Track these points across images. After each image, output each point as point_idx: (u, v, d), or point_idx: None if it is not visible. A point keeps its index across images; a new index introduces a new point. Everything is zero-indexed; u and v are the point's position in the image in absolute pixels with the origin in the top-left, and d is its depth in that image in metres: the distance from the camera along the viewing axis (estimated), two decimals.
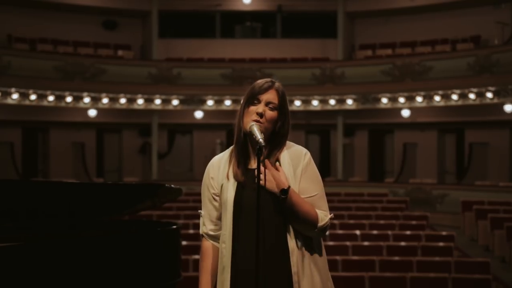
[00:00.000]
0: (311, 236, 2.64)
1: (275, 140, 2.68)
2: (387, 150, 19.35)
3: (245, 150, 2.69)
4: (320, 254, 2.67)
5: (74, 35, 18.62)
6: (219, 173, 2.73)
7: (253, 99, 2.69)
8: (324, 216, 2.63)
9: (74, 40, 18.50)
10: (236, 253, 2.61)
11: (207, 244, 2.74)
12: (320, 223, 2.61)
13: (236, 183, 2.65)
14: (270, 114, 2.65)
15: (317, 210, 2.63)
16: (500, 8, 16.81)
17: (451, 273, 7.41)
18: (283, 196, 2.54)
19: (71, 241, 3.01)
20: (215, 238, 2.73)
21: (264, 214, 2.57)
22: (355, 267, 7.60)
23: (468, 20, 17.68)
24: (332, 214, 2.69)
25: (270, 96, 2.67)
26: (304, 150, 2.73)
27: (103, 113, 17.96)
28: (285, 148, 2.71)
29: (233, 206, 2.63)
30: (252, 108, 2.67)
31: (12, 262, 2.70)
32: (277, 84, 2.71)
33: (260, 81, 2.72)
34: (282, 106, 2.68)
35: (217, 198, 2.73)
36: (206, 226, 2.75)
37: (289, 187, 2.56)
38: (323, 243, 2.73)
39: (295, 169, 2.67)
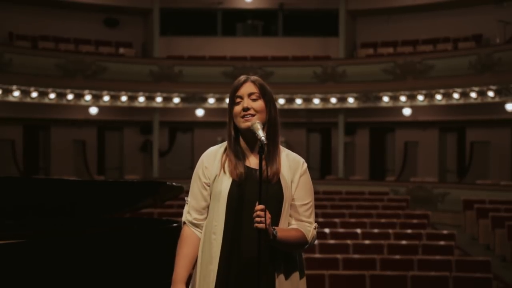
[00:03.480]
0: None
1: (270, 129, 2.70)
2: (388, 148, 19.34)
3: (239, 149, 2.72)
4: (302, 271, 2.74)
5: (75, 32, 18.62)
6: (214, 164, 2.74)
7: (234, 98, 2.72)
8: (308, 228, 2.69)
9: (76, 38, 18.49)
10: (228, 246, 2.63)
11: (189, 231, 2.73)
12: (309, 237, 2.69)
13: (229, 178, 2.67)
14: (256, 104, 2.68)
15: (300, 226, 2.68)
16: (502, 7, 16.79)
17: (452, 272, 7.41)
18: (275, 234, 2.55)
19: (72, 238, 3.01)
20: (197, 226, 2.74)
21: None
22: (356, 265, 7.60)
23: (470, 18, 17.66)
24: (316, 224, 2.73)
25: (248, 88, 2.70)
26: (302, 159, 2.78)
27: (104, 111, 17.96)
28: (283, 153, 2.75)
29: (227, 199, 2.65)
30: (237, 107, 2.70)
31: (13, 259, 2.70)
32: (252, 77, 2.74)
33: (237, 79, 2.76)
34: (263, 94, 2.70)
35: (207, 188, 2.74)
36: (191, 214, 2.74)
37: (274, 228, 2.56)
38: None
39: (293, 175, 2.71)
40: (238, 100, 2.70)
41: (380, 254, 8.31)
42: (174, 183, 3.44)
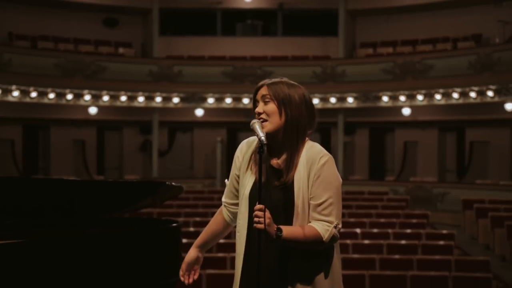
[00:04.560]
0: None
1: (288, 130, 2.67)
2: (387, 148, 19.34)
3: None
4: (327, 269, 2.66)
5: (75, 32, 18.61)
6: (245, 157, 2.78)
7: (254, 102, 2.75)
8: (326, 228, 2.58)
9: (75, 38, 18.49)
10: (249, 244, 2.67)
11: (219, 209, 2.92)
12: (325, 237, 2.58)
13: (253, 178, 2.70)
14: (267, 108, 2.67)
15: (316, 224, 2.59)
16: (502, 7, 16.78)
17: (452, 272, 7.41)
18: (279, 234, 2.53)
19: (72, 238, 3.00)
20: (227, 209, 2.87)
21: (276, 213, 2.57)
22: (355, 265, 7.59)
23: (469, 18, 17.66)
24: (336, 222, 2.60)
25: (262, 92, 2.71)
26: (322, 153, 2.69)
27: (103, 111, 17.96)
28: (306, 147, 2.71)
29: (249, 200, 2.68)
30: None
31: (12, 259, 2.70)
32: (272, 80, 2.74)
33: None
34: (275, 96, 2.67)
35: (237, 178, 2.81)
36: (225, 197, 2.89)
37: (278, 228, 2.53)
38: (336, 256, 2.71)
39: (309, 172, 2.65)
40: (256, 104, 2.73)
41: (380, 254, 8.31)
42: (173, 183, 3.44)
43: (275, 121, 2.65)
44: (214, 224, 2.90)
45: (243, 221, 2.70)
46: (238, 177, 2.79)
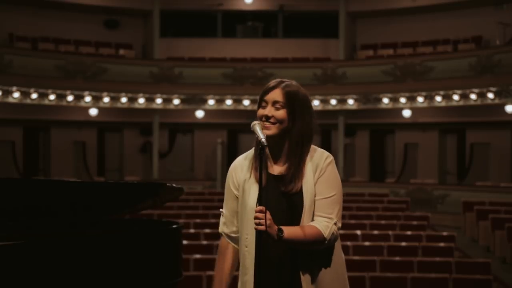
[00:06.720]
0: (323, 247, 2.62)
1: (294, 139, 2.63)
2: (388, 150, 19.34)
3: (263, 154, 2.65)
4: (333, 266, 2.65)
5: (75, 34, 18.62)
6: (242, 173, 2.71)
7: (261, 101, 2.66)
8: (326, 224, 2.57)
9: (76, 39, 18.50)
10: (259, 256, 2.59)
11: (225, 243, 2.77)
12: (326, 234, 2.56)
13: (257, 187, 2.59)
14: (277, 113, 2.61)
15: (317, 221, 2.58)
16: (502, 9, 16.80)
17: (452, 274, 7.41)
18: (281, 235, 2.50)
19: (72, 239, 3.01)
20: (234, 239, 2.75)
21: (281, 221, 2.57)
22: (355, 267, 7.60)
23: (470, 20, 17.67)
24: (336, 219, 2.60)
25: (275, 95, 2.63)
26: (326, 154, 2.69)
27: (104, 112, 17.96)
28: (309, 154, 2.68)
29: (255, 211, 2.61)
30: (260, 111, 2.65)
31: (12, 260, 2.70)
32: (286, 83, 2.65)
33: (269, 82, 2.70)
34: (289, 104, 2.61)
35: (237, 199, 2.74)
36: (228, 227, 2.76)
37: (279, 228, 2.51)
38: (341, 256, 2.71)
39: (314, 172, 2.64)
40: (263, 104, 2.64)
41: (380, 255, 8.31)
42: (174, 185, 3.44)
43: (282, 128, 2.62)
44: (228, 264, 2.74)
45: (251, 236, 2.60)
46: (237, 197, 2.72)
